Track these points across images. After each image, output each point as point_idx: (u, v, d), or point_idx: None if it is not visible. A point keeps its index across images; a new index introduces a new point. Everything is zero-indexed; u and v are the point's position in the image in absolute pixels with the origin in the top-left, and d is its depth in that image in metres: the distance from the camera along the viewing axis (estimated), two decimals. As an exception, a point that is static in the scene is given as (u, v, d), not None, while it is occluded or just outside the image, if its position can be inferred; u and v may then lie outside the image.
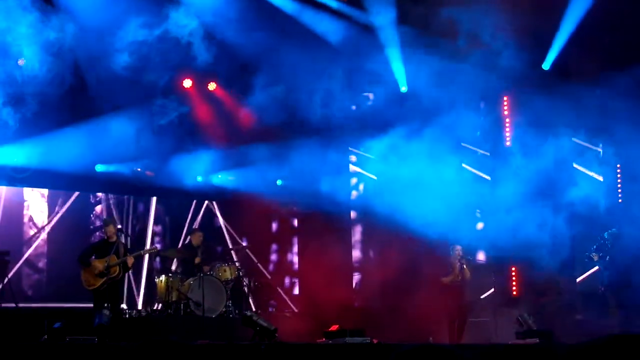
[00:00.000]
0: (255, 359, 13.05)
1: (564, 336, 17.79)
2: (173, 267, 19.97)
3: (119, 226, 18.85)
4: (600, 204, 20.28)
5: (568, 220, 20.24)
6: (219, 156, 21.23)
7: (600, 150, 21.15)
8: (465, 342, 18.26)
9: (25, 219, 20.61)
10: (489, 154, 22.00)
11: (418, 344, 3.65)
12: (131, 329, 17.10)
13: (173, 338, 4.30)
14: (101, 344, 13.76)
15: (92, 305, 16.87)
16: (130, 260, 17.32)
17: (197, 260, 19.17)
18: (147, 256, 19.94)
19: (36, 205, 20.83)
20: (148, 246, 20.93)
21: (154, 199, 22.17)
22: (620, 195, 20.86)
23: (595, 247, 19.53)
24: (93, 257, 17.12)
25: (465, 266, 19.24)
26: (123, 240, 17.96)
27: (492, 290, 20.51)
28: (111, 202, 21.61)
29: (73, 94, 19.05)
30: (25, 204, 20.75)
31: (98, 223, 20.93)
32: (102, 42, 18.90)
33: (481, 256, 22.33)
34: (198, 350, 4.13)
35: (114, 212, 21.42)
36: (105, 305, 16.17)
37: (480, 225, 22.82)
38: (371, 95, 22.31)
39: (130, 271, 17.95)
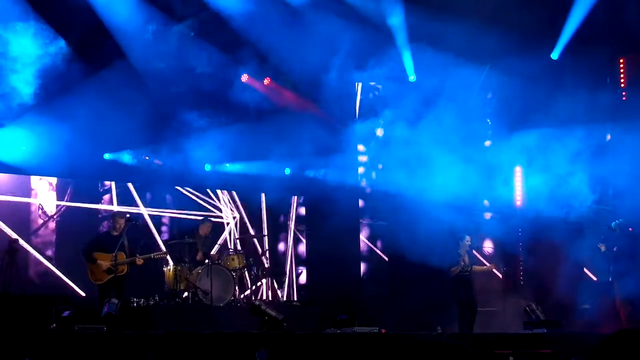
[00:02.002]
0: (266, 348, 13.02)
1: (572, 326, 17.81)
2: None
3: (128, 215, 18.85)
4: None
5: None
6: (228, 145, 21.17)
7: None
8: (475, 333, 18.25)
9: (33, 208, 20.59)
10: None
11: (432, 337, 3.61)
12: (139, 318, 17.10)
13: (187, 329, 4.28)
14: (110, 333, 13.75)
15: (98, 294, 16.96)
16: (139, 262, 17.40)
17: (199, 256, 19.14)
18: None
19: (44, 193, 20.80)
20: (155, 244, 21.03)
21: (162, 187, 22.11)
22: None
23: (602, 237, 19.51)
24: (96, 250, 17.26)
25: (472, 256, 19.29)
26: (131, 230, 17.96)
27: (501, 279, 20.50)
28: (119, 190, 21.56)
29: (81, 80, 19.09)
30: (33, 192, 20.71)
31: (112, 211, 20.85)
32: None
33: (489, 246, 22.35)
34: (216, 340, 4.11)
35: (123, 201, 21.38)
36: (112, 295, 16.21)
37: (487, 215, 22.84)
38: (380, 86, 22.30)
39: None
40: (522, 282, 21.07)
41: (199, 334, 4.24)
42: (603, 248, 19.32)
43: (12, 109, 18.64)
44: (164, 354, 4.12)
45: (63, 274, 20.17)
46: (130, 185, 21.49)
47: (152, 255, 17.98)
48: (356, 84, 22.38)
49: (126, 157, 20.77)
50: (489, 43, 19.42)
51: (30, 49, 18.48)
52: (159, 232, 21.73)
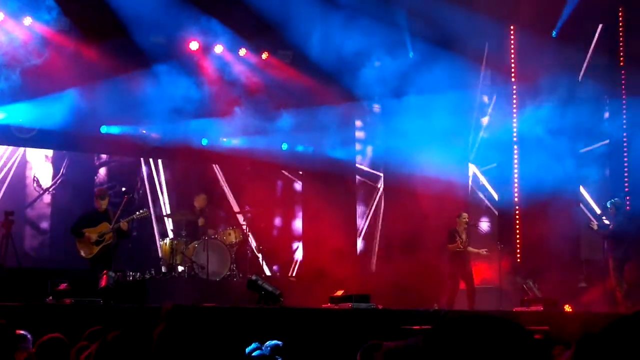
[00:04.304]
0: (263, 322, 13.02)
1: (568, 304, 17.84)
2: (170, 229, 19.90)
3: (124, 189, 18.80)
4: None
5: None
6: (225, 120, 21.14)
7: None
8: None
9: (29, 180, 20.52)
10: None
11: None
12: (135, 291, 17.08)
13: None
14: (106, 306, 13.73)
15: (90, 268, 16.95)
16: (124, 225, 17.35)
17: (200, 221, 19.14)
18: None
19: (40, 166, 20.73)
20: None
21: (159, 161, 22.04)
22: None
23: (597, 215, 19.56)
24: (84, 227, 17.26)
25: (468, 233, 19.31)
26: (127, 203, 17.93)
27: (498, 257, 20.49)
28: (115, 164, 21.51)
29: (78, 54, 19.04)
30: (29, 164, 20.65)
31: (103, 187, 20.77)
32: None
33: (485, 224, 22.35)
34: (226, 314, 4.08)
35: (118, 174, 21.31)
36: (103, 269, 16.15)
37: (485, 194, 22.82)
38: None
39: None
40: (519, 259, 21.06)
41: (208, 307, 4.22)
42: (595, 226, 19.35)
43: (8, 80, 18.60)
44: (173, 327, 4.08)
45: (58, 246, 20.12)
46: (128, 158, 21.44)
47: (133, 216, 17.83)
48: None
49: (122, 130, 20.68)
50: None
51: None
52: (155, 206, 21.68)
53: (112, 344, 3.86)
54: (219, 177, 22.57)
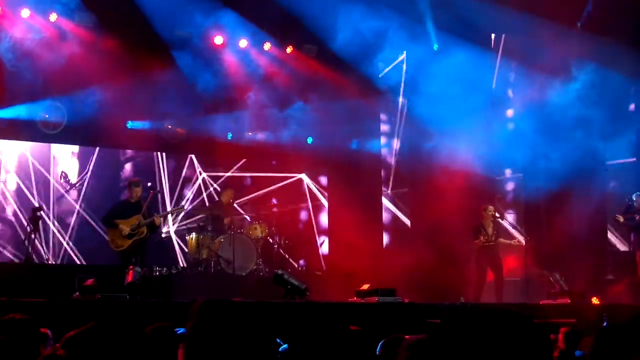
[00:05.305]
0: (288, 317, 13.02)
1: (595, 297, 17.73)
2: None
3: (150, 184, 18.83)
4: None
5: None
6: (251, 115, 21.18)
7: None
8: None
9: (55, 176, 20.60)
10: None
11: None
12: (162, 286, 17.13)
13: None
14: (133, 301, 13.77)
15: (120, 262, 16.96)
16: (157, 221, 17.38)
17: (226, 220, 19.17)
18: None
19: (66, 162, 20.81)
20: (168, 206, 21.07)
21: (186, 156, 22.08)
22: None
23: (623, 208, 19.44)
24: (116, 218, 17.27)
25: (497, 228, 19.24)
26: (153, 198, 17.98)
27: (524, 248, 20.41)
28: (141, 159, 21.56)
29: (104, 49, 19.11)
30: (55, 160, 20.73)
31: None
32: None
33: (510, 217, 22.28)
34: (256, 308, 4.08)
35: (144, 170, 21.36)
36: (134, 262, 16.18)
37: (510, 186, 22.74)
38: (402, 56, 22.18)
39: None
40: (545, 252, 20.97)
41: (240, 302, 4.22)
42: (621, 219, 19.26)
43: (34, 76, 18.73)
44: (205, 322, 4.10)
45: (85, 242, 20.22)
46: (154, 153, 21.50)
47: (170, 211, 17.90)
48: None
49: (148, 125, 20.74)
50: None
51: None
52: (182, 201, 21.73)
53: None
54: (243, 172, 22.56)
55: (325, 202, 23.12)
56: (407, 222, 22.52)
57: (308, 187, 23.33)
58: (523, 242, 20.03)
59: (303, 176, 23.03)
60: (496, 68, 21.86)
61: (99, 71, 18.97)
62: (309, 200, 23.25)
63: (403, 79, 22.04)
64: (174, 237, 21.06)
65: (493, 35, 21.57)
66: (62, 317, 11.27)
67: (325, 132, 21.95)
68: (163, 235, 20.40)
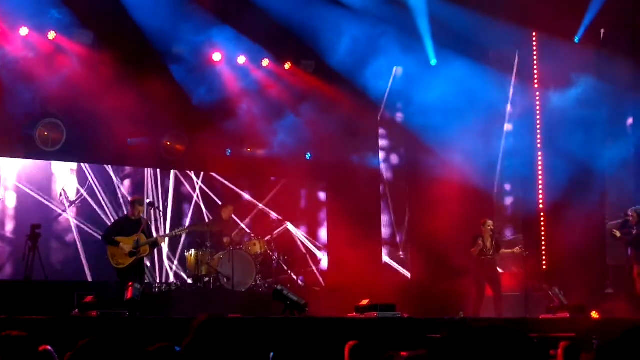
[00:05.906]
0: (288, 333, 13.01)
1: (594, 311, 17.73)
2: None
3: (149, 200, 18.84)
4: None
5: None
6: (249, 130, 21.20)
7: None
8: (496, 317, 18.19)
9: (54, 194, 20.59)
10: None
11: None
12: (161, 302, 17.12)
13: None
14: (132, 318, 13.76)
15: (119, 279, 16.96)
16: (160, 241, 17.42)
17: (225, 240, 19.18)
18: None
19: (65, 179, 20.80)
20: (168, 227, 21.06)
21: (185, 172, 22.07)
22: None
23: (619, 222, 19.45)
24: (117, 235, 17.28)
25: (495, 241, 19.24)
26: (152, 215, 17.99)
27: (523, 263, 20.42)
28: (139, 176, 21.56)
29: (102, 66, 19.16)
30: (54, 177, 20.73)
31: (129, 198, 20.85)
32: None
33: (509, 232, 22.30)
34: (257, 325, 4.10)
35: (143, 186, 21.36)
36: (132, 279, 16.18)
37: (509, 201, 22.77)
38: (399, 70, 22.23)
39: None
40: (544, 266, 20.98)
41: (240, 319, 4.24)
42: (618, 234, 19.25)
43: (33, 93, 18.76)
44: (206, 338, 4.11)
45: (84, 259, 20.22)
46: (152, 170, 21.48)
47: (173, 232, 17.96)
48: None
49: (146, 142, 20.73)
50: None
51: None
52: (181, 217, 21.72)
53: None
54: (243, 188, 22.56)
55: (324, 218, 23.09)
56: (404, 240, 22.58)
57: (307, 202, 23.36)
58: (520, 252, 20.02)
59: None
60: (502, 85, 21.88)
61: (98, 88, 18.99)
62: (308, 216, 23.20)
63: (402, 94, 22.09)
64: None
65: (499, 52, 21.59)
66: (62, 334, 11.26)
67: (324, 147, 21.96)
68: None
